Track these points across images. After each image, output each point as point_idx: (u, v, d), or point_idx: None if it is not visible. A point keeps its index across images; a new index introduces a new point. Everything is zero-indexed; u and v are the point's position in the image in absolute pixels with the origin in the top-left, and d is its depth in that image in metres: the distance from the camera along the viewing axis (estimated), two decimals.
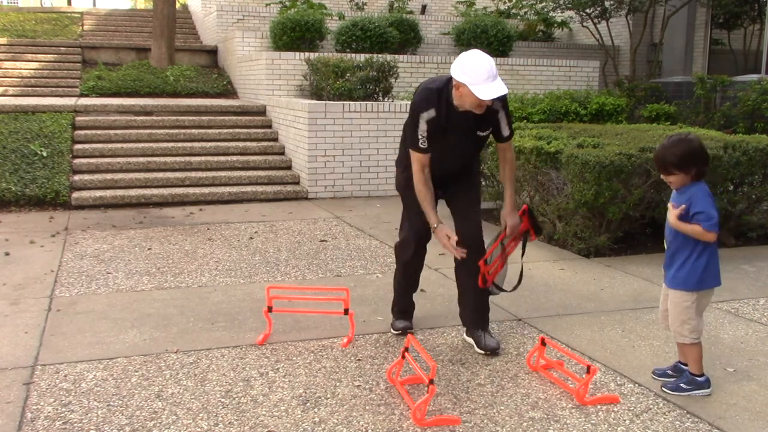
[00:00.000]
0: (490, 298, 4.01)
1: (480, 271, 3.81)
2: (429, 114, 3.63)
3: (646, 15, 13.14)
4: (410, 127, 3.70)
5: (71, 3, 27.52)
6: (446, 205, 3.99)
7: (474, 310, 3.93)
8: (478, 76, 3.43)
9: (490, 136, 3.84)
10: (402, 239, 4.07)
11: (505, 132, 3.80)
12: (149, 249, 6.07)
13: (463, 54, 3.53)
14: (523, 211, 3.89)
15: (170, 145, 9.25)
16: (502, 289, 4.00)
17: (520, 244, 4.01)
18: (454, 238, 3.64)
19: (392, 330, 4.15)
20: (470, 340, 3.96)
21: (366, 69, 9.62)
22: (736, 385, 3.48)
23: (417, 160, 3.71)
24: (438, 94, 3.63)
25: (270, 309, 4.04)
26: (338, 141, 8.80)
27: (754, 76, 11.23)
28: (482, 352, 3.83)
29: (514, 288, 4.05)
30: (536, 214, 4.14)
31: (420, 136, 3.65)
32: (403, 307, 4.20)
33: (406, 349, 3.38)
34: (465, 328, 4.03)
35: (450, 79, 3.60)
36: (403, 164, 3.91)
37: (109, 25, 16.28)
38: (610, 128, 7.49)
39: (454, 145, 3.74)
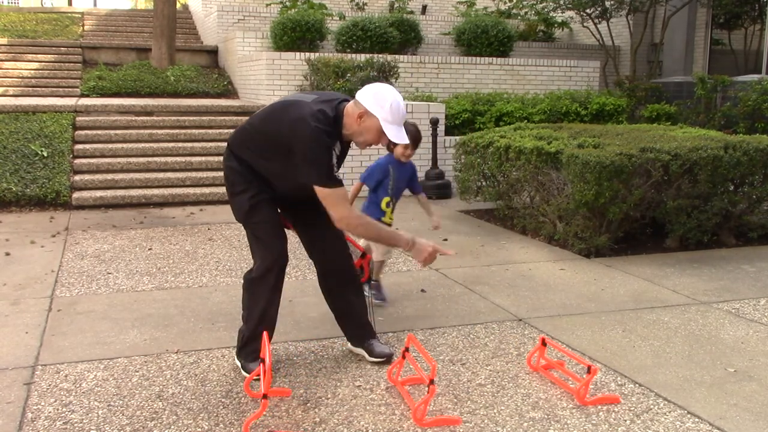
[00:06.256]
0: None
1: (364, 266, 3.77)
2: (337, 149, 3.31)
3: (647, 15, 13.15)
4: (316, 159, 3.17)
5: (72, 3, 27.53)
6: (301, 230, 3.70)
7: (361, 325, 3.75)
8: (397, 115, 3.21)
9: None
10: (258, 271, 3.52)
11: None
12: (150, 249, 6.07)
13: (382, 85, 3.27)
14: None
15: (171, 145, 9.25)
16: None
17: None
18: (438, 250, 3.42)
19: (244, 372, 3.52)
20: (360, 350, 3.76)
21: (366, 69, 9.62)
22: (736, 386, 3.48)
23: (336, 199, 3.22)
24: (335, 124, 3.26)
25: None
26: None
27: (754, 77, 11.23)
28: (376, 360, 3.67)
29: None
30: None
31: (334, 169, 3.23)
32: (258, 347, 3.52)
33: (407, 349, 3.38)
34: (350, 342, 3.82)
35: (338, 104, 3.29)
36: (252, 186, 3.44)
37: (110, 26, 16.28)
38: (610, 128, 7.49)
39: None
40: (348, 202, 3.33)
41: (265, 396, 2.92)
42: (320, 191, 3.23)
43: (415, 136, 4.42)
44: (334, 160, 3.24)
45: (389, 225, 4.42)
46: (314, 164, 3.18)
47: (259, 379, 3.02)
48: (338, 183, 3.23)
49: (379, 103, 3.20)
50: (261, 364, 3.04)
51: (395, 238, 3.43)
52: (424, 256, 3.42)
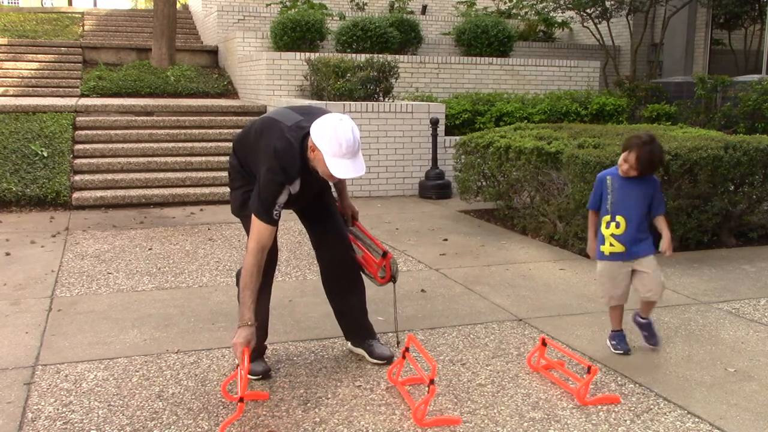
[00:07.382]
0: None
1: (386, 266, 3.69)
2: (294, 187, 3.24)
3: (647, 15, 13.15)
4: (265, 188, 3.19)
5: (72, 3, 27.55)
6: (309, 228, 3.74)
7: (361, 326, 3.78)
8: (338, 148, 3.07)
9: None
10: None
11: None
12: (150, 249, 6.07)
13: (329, 117, 3.15)
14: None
15: (171, 145, 9.25)
16: (395, 276, 3.80)
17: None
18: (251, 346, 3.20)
19: (250, 376, 3.48)
20: (360, 351, 3.78)
21: (366, 69, 9.62)
22: (737, 386, 3.48)
23: (259, 233, 3.21)
24: (301, 158, 3.22)
25: None
26: None
27: (754, 77, 11.23)
28: (376, 361, 3.69)
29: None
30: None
31: (277, 208, 3.19)
32: (258, 345, 3.51)
33: (407, 349, 3.38)
34: (350, 342, 3.85)
35: (305, 135, 3.22)
36: (246, 183, 3.50)
37: (110, 26, 16.29)
38: (610, 128, 7.49)
39: (307, 196, 3.45)
40: (263, 246, 3.21)
41: (241, 399, 2.95)
42: (253, 217, 3.25)
43: (646, 158, 3.59)
44: (284, 198, 3.20)
45: (615, 253, 3.88)
46: (260, 193, 3.21)
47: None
48: (271, 221, 3.20)
49: (321, 135, 3.09)
50: (237, 368, 3.06)
51: (243, 306, 3.22)
52: (234, 340, 3.18)
